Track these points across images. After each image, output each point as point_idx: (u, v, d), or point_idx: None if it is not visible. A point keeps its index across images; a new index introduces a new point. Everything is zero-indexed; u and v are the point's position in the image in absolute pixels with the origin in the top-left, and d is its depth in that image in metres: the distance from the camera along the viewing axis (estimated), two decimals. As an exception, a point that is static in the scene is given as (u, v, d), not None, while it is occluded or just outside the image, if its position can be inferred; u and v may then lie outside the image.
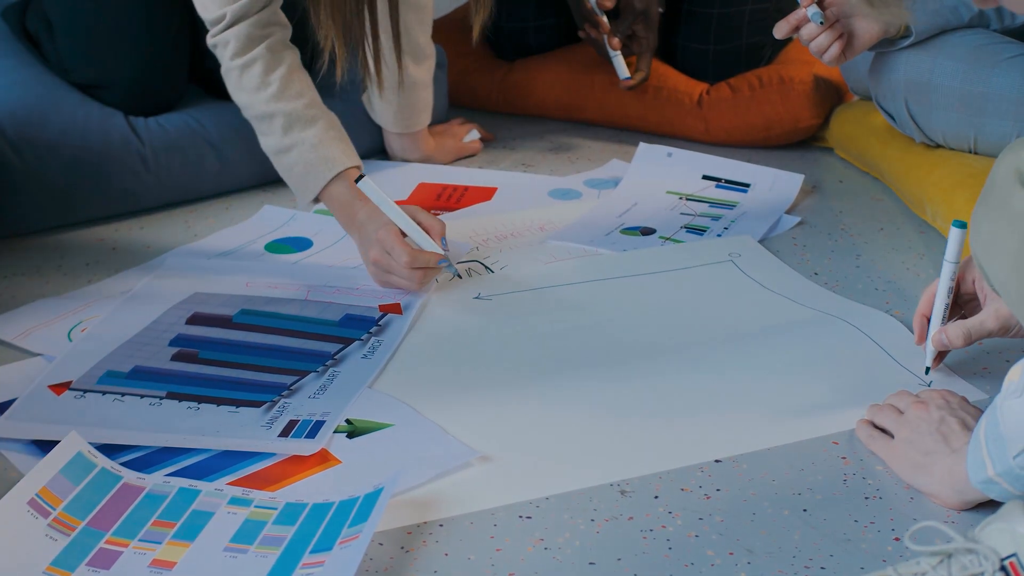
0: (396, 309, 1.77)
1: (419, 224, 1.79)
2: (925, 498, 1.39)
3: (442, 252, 1.79)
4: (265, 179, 2.18)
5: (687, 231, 2.02)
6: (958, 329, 1.54)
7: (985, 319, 1.53)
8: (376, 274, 1.81)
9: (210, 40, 1.85)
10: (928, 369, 1.59)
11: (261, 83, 1.83)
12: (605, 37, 2.32)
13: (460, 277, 1.83)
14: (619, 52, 2.33)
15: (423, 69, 2.17)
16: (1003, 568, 1.14)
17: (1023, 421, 1.23)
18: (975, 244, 1.38)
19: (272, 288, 1.84)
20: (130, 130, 2.06)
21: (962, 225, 1.54)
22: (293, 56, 1.86)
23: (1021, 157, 1.35)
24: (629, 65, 2.34)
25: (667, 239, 1.99)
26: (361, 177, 1.80)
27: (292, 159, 1.84)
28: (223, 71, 1.86)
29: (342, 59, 1.83)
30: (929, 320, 1.59)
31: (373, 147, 2.29)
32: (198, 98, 2.16)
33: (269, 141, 1.86)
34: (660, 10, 2.36)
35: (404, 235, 1.78)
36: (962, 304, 1.59)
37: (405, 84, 2.14)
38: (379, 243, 1.78)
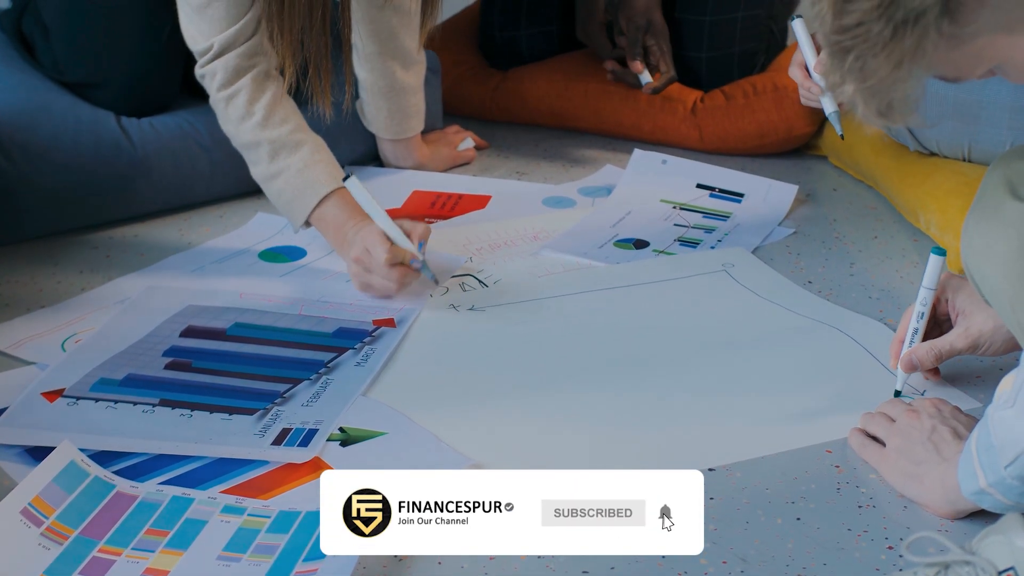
0: (390, 323, 1.77)
1: (402, 228, 1.81)
2: (918, 507, 1.39)
3: (417, 253, 1.80)
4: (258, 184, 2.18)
5: (680, 244, 2.01)
6: (927, 351, 1.54)
7: (954, 340, 1.53)
8: (358, 274, 1.81)
9: (198, 71, 1.88)
10: (898, 392, 1.58)
11: (245, 113, 1.85)
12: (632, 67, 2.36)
13: (437, 283, 1.84)
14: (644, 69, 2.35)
15: (412, 74, 2.17)
16: (1000, 581, 1.14)
17: (1015, 431, 1.23)
18: (966, 253, 1.38)
19: (266, 300, 1.83)
20: (121, 133, 2.06)
21: (941, 252, 1.53)
22: (277, 85, 1.87)
23: (1012, 167, 1.35)
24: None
25: (660, 252, 1.99)
26: (348, 177, 1.81)
27: (280, 185, 1.86)
28: (211, 102, 1.89)
29: (290, 75, 1.85)
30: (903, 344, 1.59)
31: (367, 154, 2.28)
32: (190, 101, 2.16)
33: (257, 170, 1.88)
34: None
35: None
36: (940, 322, 1.58)
37: (394, 89, 2.14)
38: (361, 241, 1.79)
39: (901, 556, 1.30)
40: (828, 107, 1.81)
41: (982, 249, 1.35)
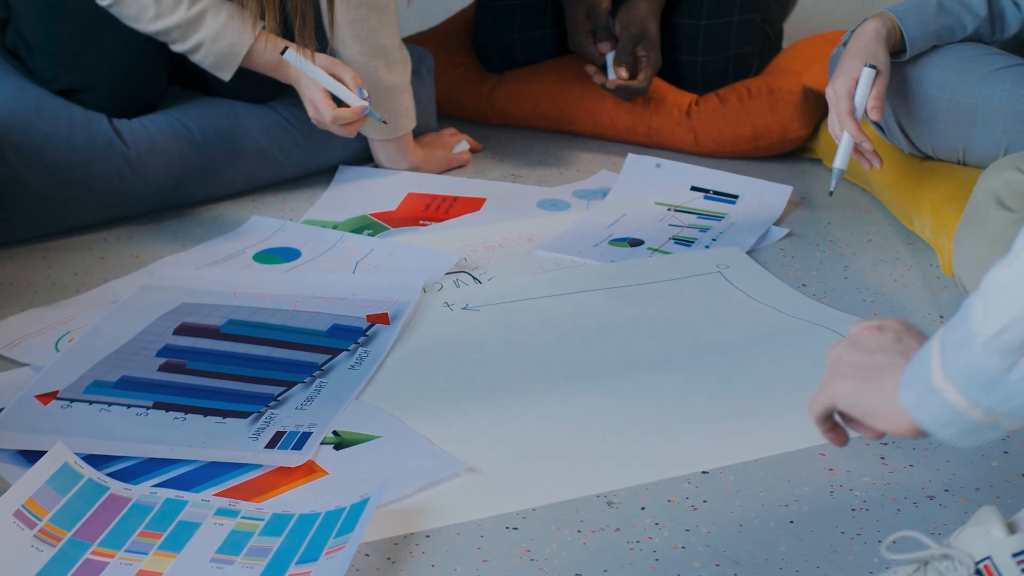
0: (383, 319, 1.77)
1: (339, 78, 2.04)
2: (912, 509, 1.39)
3: (364, 103, 2.03)
4: (252, 181, 2.19)
5: (675, 242, 2.02)
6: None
7: None
8: (316, 123, 2.08)
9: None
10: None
11: (139, 13, 1.99)
12: (609, 67, 2.36)
13: (386, 123, 2.14)
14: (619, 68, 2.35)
15: (396, 73, 2.16)
16: (978, 572, 1.13)
17: (1010, 293, 0.97)
18: (956, 264, 1.38)
19: (261, 299, 1.83)
20: (114, 133, 2.06)
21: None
22: None
23: (1001, 179, 1.36)
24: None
25: (655, 250, 1.99)
26: (286, 49, 2.01)
27: (201, 55, 2.04)
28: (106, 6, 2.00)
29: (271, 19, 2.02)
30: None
31: (359, 153, 2.28)
32: (180, 98, 2.17)
33: (177, 47, 2.04)
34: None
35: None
36: None
37: (379, 90, 2.14)
38: (310, 103, 2.05)
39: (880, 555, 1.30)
40: (838, 161, 1.92)
41: (971, 260, 1.35)
